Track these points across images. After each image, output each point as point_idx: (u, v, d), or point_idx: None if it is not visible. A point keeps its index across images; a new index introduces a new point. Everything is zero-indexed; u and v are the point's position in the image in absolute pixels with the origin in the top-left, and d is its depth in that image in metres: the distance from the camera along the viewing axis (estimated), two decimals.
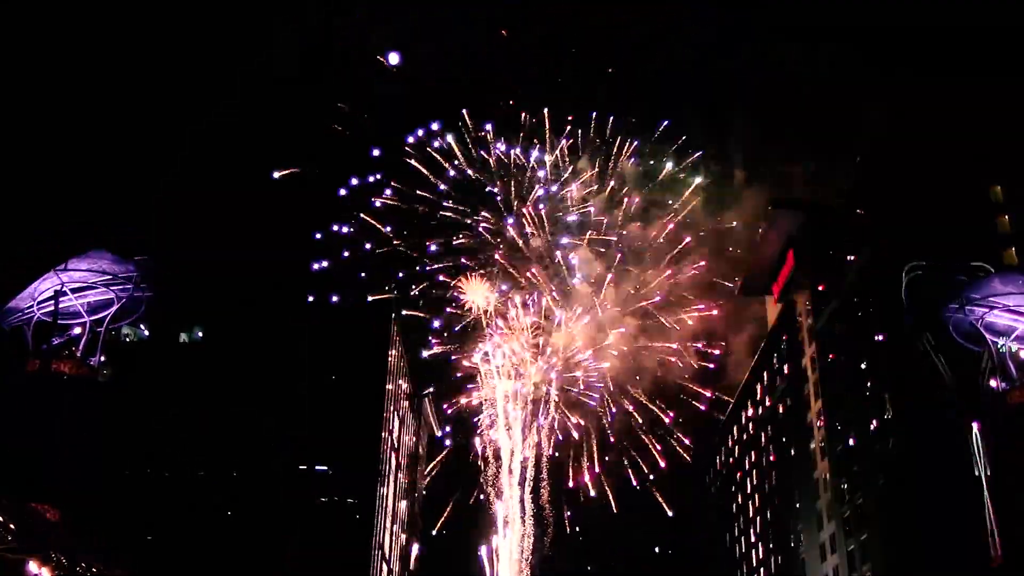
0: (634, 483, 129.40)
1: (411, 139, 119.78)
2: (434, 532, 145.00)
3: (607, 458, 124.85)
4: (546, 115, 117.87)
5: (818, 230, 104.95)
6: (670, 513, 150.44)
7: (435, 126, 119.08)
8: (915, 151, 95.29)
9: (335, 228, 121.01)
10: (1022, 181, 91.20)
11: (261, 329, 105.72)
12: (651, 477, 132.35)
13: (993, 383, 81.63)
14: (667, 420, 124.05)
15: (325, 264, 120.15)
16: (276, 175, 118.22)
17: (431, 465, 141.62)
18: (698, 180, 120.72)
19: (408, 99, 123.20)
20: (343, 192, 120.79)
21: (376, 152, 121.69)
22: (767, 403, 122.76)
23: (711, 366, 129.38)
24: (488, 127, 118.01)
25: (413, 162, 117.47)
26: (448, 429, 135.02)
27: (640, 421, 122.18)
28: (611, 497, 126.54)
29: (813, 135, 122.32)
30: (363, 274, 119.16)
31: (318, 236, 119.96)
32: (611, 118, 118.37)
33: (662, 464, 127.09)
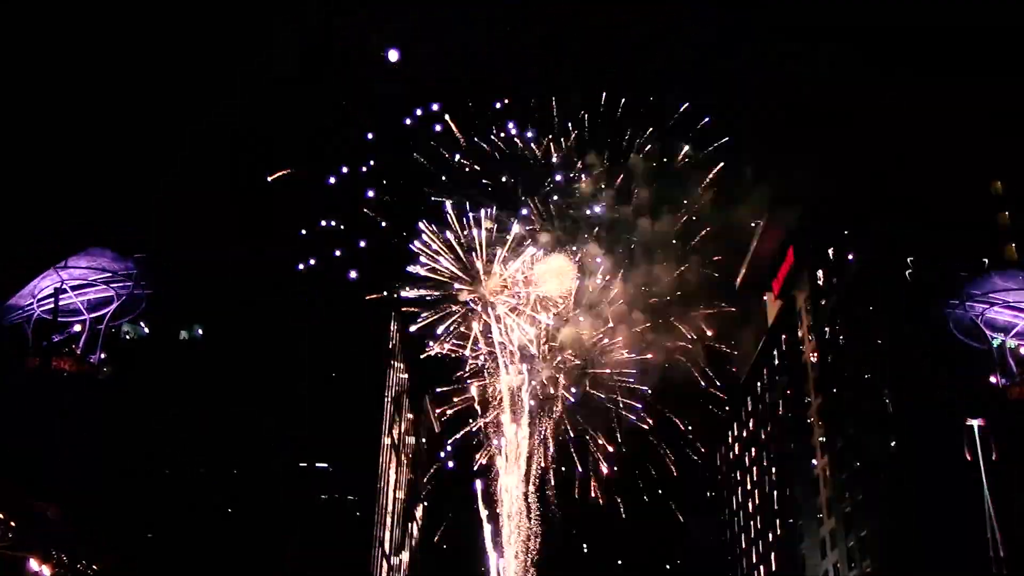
0: (645, 498, 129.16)
1: (408, 121, 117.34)
2: (437, 532, 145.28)
3: (615, 468, 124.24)
4: (553, 103, 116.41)
5: (819, 226, 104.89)
6: (681, 519, 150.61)
7: (435, 107, 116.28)
8: (916, 147, 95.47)
9: (324, 224, 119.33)
10: (1023, 177, 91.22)
11: (261, 327, 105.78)
12: (660, 492, 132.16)
13: (993, 379, 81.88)
14: (682, 427, 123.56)
15: (312, 262, 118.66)
16: (269, 179, 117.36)
17: (433, 466, 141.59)
18: (720, 164, 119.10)
19: (408, 97, 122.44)
20: (332, 181, 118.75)
21: (370, 136, 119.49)
22: (767, 399, 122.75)
23: (733, 369, 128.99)
24: (497, 105, 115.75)
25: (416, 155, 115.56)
26: (449, 449, 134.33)
27: (652, 423, 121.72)
28: (620, 504, 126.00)
29: (815, 132, 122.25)
30: (353, 273, 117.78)
31: (303, 232, 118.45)
32: (623, 100, 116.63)
33: (675, 473, 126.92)
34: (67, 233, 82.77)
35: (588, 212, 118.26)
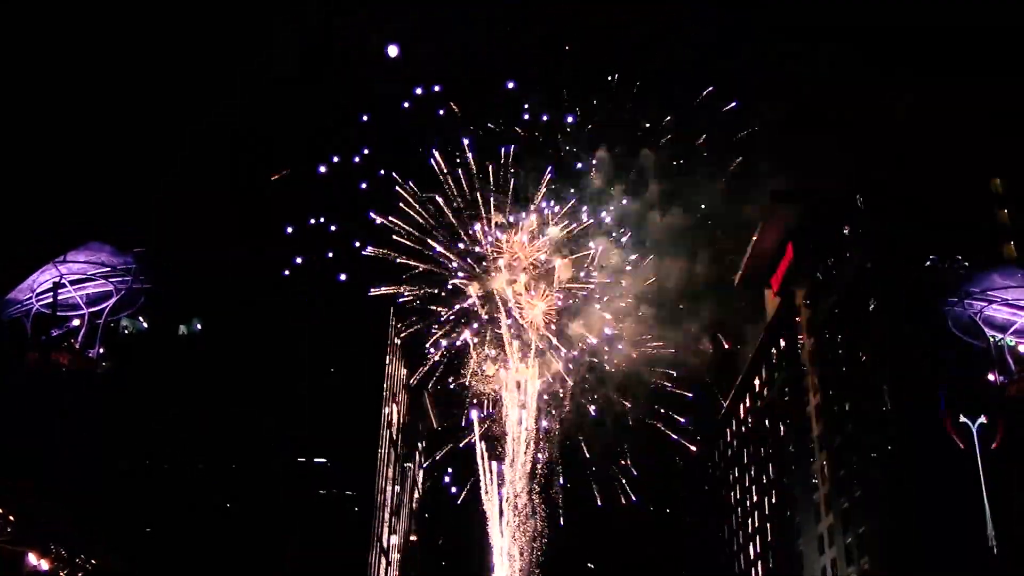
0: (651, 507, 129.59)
1: (407, 104, 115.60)
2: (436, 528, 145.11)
3: (625, 474, 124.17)
4: (564, 93, 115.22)
5: (818, 223, 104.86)
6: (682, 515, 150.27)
7: (436, 88, 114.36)
8: (915, 144, 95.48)
9: (322, 221, 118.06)
10: (1022, 175, 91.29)
11: (260, 323, 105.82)
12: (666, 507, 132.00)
13: (991, 377, 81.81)
14: (684, 423, 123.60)
15: (310, 261, 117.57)
16: (273, 177, 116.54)
17: (429, 459, 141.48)
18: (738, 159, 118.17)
19: (408, 92, 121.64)
20: (323, 170, 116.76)
21: (365, 118, 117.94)
22: (765, 395, 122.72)
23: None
24: (510, 85, 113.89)
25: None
26: (437, 463, 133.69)
27: (655, 421, 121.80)
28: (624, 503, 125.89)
29: (815, 131, 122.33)
30: (343, 276, 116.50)
31: (301, 231, 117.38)
32: (637, 84, 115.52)
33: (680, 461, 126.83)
34: (67, 232, 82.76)
35: (609, 209, 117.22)
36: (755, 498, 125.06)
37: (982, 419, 76.77)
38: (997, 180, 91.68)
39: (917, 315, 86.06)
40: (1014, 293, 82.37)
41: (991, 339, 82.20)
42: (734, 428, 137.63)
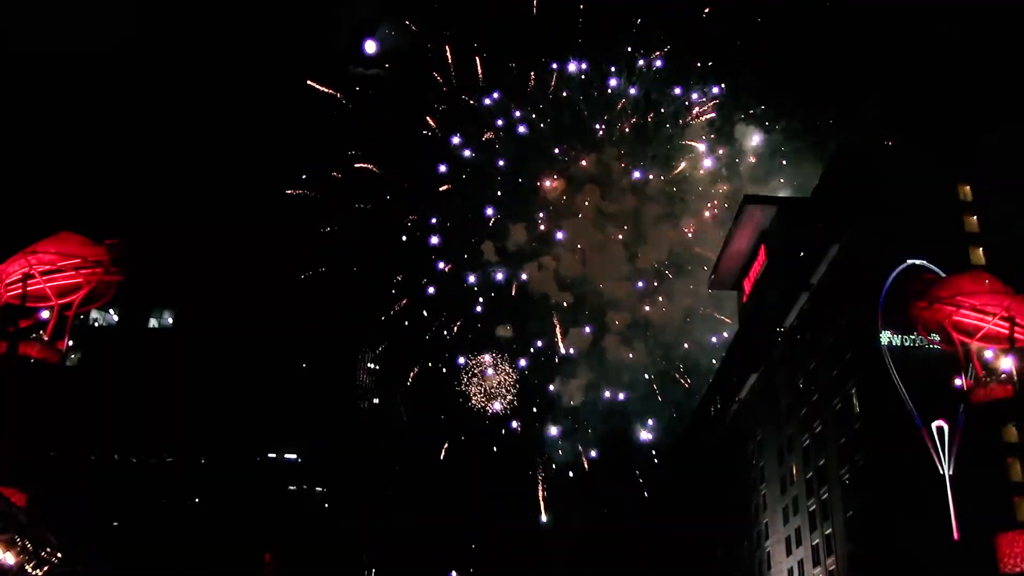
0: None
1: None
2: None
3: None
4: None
5: (790, 225, 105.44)
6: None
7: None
8: (887, 148, 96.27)
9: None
10: (990, 180, 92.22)
11: (233, 317, 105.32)
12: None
13: (958, 381, 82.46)
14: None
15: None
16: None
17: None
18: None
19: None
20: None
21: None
22: (736, 397, 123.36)
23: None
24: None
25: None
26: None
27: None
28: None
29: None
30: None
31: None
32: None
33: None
34: (37, 221, 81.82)
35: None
36: (723, 497, 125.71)
37: (939, 423, 77.62)
38: (967, 187, 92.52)
39: (887, 319, 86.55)
40: (982, 298, 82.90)
41: (959, 344, 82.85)
42: (705, 428, 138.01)
